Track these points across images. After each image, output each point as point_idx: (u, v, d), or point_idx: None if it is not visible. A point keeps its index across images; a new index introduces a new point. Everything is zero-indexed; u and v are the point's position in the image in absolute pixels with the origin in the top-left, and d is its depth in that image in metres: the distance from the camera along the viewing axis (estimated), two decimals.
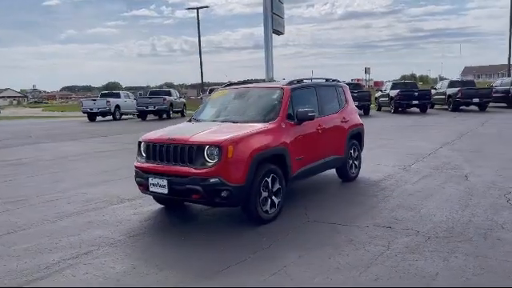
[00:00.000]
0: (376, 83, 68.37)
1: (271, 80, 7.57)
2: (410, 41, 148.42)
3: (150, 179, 4.55)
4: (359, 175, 6.67)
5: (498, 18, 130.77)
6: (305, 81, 5.81)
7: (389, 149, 9.74)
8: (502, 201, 5.11)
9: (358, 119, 6.65)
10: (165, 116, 23.72)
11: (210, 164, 4.23)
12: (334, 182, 6.47)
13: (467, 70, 68.71)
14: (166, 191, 4.42)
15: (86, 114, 24.42)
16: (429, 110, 21.44)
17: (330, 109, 5.99)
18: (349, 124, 6.28)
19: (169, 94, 24.65)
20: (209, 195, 4.21)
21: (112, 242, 4.16)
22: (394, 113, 21.22)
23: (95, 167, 8.66)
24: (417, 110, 21.43)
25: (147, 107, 22.98)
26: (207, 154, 4.27)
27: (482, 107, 20.44)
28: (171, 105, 23.62)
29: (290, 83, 5.48)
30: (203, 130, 4.71)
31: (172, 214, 5.14)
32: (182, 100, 26.81)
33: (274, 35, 22.83)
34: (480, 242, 3.83)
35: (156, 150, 4.62)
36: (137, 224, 4.72)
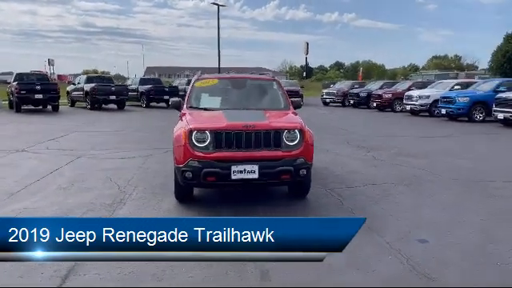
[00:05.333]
0: (60, 77, 64.67)
1: None
2: (82, 35, 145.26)
3: (233, 167, 4.50)
4: None
5: (162, 24, 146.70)
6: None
7: None
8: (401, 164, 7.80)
9: None
10: None
11: (291, 146, 4.72)
12: None
13: (149, 70, 75.24)
14: (256, 176, 4.55)
15: None
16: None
17: None
18: None
19: None
20: (295, 174, 4.72)
21: None
22: (91, 109, 20.08)
23: None
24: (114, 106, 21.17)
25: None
26: (286, 137, 4.74)
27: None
28: None
29: (272, 77, 6.26)
30: (261, 116, 4.97)
31: (197, 205, 5.11)
32: None
33: None
34: (455, 183, 6.16)
35: (231, 138, 4.57)
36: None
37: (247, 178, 4.57)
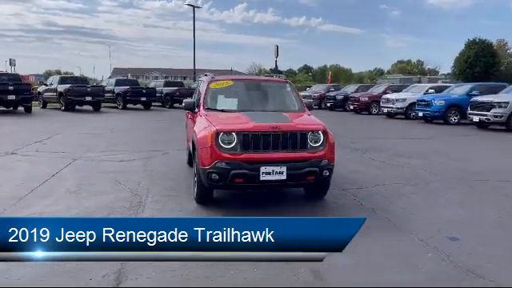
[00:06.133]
0: (22, 77, 62.22)
1: None
2: (43, 34, 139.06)
3: (262, 168, 4.49)
4: None
5: (128, 25, 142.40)
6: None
7: None
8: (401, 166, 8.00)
9: None
10: None
11: (315, 147, 4.77)
12: None
13: (117, 71, 73.47)
14: (283, 177, 4.57)
15: None
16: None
17: None
18: None
19: None
20: (320, 175, 4.77)
21: None
22: (64, 110, 19.40)
23: None
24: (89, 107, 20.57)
25: None
26: (310, 139, 4.78)
27: (148, 105, 22.71)
28: None
29: (285, 79, 6.29)
30: (284, 117, 5.01)
31: (218, 206, 5.09)
32: None
33: None
34: (459, 183, 6.39)
35: (259, 139, 4.56)
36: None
37: (275, 179, 4.57)
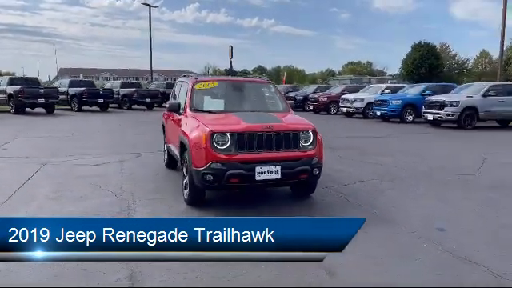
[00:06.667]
0: None
1: None
2: None
3: (257, 168, 4.54)
4: None
5: (74, 23, 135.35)
6: None
7: None
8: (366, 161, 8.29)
9: None
10: None
11: (306, 146, 4.89)
12: None
13: (63, 71, 70.25)
14: (278, 176, 4.65)
15: None
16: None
17: None
18: None
19: None
20: (311, 174, 4.89)
21: None
22: (15, 113, 18.53)
23: None
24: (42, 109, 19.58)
25: None
26: (301, 138, 4.90)
27: (105, 107, 22.21)
28: None
29: (268, 80, 6.37)
30: (274, 118, 5.08)
31: (210, 207, 5.08)
32: None
33: None
34: (429, 178, 6.73)
35: (253, 139, 4.60)
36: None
37: (270, 178, 4.64)
